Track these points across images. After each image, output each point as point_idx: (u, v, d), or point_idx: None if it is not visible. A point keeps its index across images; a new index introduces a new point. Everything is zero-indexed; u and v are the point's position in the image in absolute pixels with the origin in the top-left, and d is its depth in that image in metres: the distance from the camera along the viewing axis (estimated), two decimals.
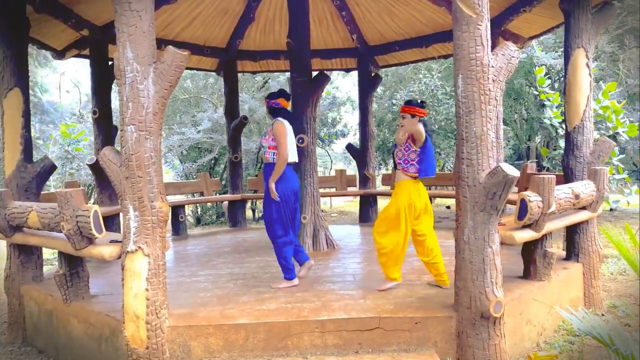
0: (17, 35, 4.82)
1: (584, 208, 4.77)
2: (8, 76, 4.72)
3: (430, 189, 10.32)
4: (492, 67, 3.35)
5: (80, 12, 6.05)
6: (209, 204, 11.66)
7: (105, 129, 6.73)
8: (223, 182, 11.61)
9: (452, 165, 13.10)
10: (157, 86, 3.32)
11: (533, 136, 13.66)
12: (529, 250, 4.34)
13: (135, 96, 3.27)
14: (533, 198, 3.91)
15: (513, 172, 3.21)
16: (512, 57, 3.43)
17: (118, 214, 6.56)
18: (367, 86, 8.80)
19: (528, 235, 4.01)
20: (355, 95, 14.50)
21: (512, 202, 4.74)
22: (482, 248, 3.37)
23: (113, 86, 7.10)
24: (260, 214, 12.47)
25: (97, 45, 6.70)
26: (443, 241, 6.21)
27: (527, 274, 4.37)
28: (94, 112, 6.71)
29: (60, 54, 6.95)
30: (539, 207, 3.92)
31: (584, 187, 4.62)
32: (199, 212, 12.38)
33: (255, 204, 12.23)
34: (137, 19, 3.26)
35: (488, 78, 3.32)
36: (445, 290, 4.07)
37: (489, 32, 3.36)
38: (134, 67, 3.26)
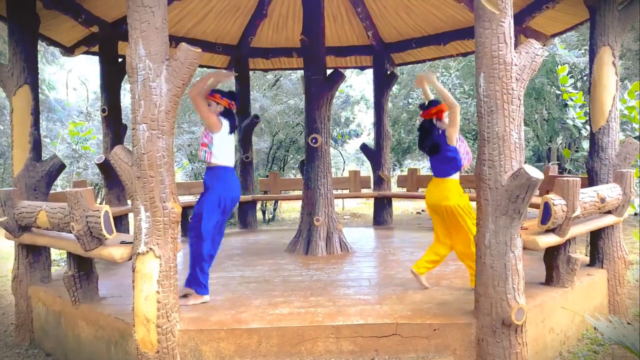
0: (27, 31, 4.75)
1: (609, 212, 4.62)
2: (18, 73, 4.64)
3: None
4: (516, 65, 3.25)
5: (91, 8, 6.01)
6: None
7: (115, 128, 6.68)
8: None
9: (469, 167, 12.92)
10: (170, 84, 3.24)
11: (554, 137, 13.38)
12: (552, 256, 4.19)
13: (148, 94, 3.19)
14: (557, 201, 3.76)
15: (537, 174, 3.11)
16: (537, 55, 3.33)
17: (126, 215, 6.50)
18: (382, 84, 8.64)
19: (552, 240, 3.86)
20: (369, 93, 14.32)
21: (533, 206, 4.62)
22: (504, 253, 3.26)
23: (122, 84, 7.04)
24: (271, 216, 12.36)
25: (107, 42, 6.65)
26: None
27: (550, 280, 4.23)
28: (103, 110, 6.65)
29: (69, 51, 6.92)
30: (563, 210, 3.78)
31: (609, 191, 4.46)
32: None
33: (266, 205, 12.13)
34: (150, 15, 3.18)
35: (511, 77, 3.23)
36: (464, 296, 3.95)
37: (512, 29, 3.26)
38: (147, 64, 3.18)
